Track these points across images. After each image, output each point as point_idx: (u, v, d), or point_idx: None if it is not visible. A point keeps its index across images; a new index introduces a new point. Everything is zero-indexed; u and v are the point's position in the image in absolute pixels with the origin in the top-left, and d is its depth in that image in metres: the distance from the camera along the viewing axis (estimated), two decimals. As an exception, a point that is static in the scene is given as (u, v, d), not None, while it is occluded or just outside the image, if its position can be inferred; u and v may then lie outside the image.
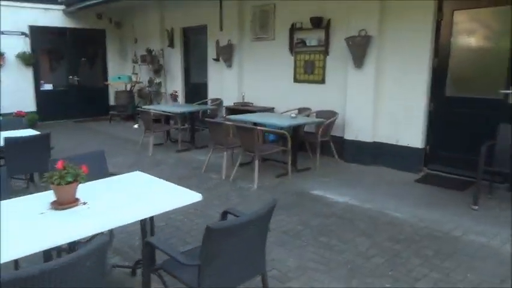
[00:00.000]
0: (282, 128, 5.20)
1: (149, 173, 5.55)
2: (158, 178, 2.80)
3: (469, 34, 5.12)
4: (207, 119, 5.64)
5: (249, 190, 4.87)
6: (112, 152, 7.00)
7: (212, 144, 5.65)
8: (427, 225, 3.75)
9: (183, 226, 3.86)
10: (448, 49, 5.20)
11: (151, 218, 2.64)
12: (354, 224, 3.78)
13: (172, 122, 7.94)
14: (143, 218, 2.46)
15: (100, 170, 3.13)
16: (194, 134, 7.21)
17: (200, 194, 2.41)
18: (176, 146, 7.19)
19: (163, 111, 7.06)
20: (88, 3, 9.21)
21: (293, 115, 5.61)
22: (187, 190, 2.49)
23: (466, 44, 5.15)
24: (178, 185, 4.99)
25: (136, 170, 5.85)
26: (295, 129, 5.49)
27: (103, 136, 8.73)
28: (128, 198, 2.42)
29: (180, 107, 7.34)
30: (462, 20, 5.12)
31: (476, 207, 4.09)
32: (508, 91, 4.75)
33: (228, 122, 5.21)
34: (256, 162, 4.96)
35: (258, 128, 4.87)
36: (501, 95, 4.81)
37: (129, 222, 2.14)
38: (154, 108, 7.33)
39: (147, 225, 2.79)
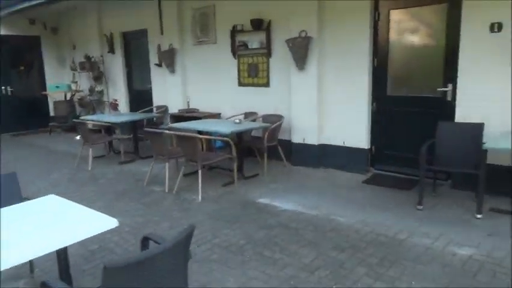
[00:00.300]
0: (224, 135, 4.98)
1: (86, 189, 5.25)
2: (73, 202, 2.48)
3: (407, 33, 5.15)
4: (145, 129, 5.32)
5: (192, 202, 4.61)
6: (47, 168, 6.51)
7: (154, 155, 5.33)
8: (372, 229, 3.66)
9: (117, 248, 3.54)
10: (387, 48, 5.21)
11: (64, 250, 2.32)
12: (299, 234, 3.62)
13: (117, 131, 7.53)
14: (48, 252, 2.14)
15: (10, 195, 2.76)
16: (137, 144, 6.83)
17: (115, 220, 2.13)
18: (120, 158, 6.79)
19: (101, 122, 6.63)
20: (16, 8, 8.55)
21: (237, 121, 5.41)
22: (103, 215, 2.21)
23: (404, 42, 5.17)
24: (116, 201, 4.72)
25: (71, 187, 5.42)
26: (240, 136, 5.30)
27: (39, 150, 8.13)
28: (33, 229, 2.10)
29: (121, 116, 6.94)
30: (399, 19, 5.14)
31: (421, 206, 4.07)
32: (446, 89, 4.80)
33: (167, 131, 4.92)
34: (200, 172, 4.71)
35: (199, 136, 4.62)
36: (440, 93, 4.86)
37: (25, 260, 1.85)
38: (91, 118, 6.89)
39: (64, 256, 2.46)
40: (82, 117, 7.09)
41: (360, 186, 4.95)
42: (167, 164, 5.04)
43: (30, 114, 10.45)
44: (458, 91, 4.62)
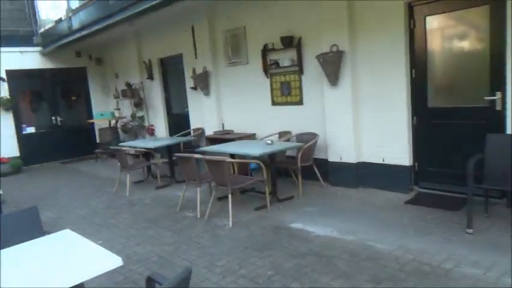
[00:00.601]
0: (254, 157, 4.83)
1: (121, 216, 5.29)
2: (84, 238, 2.40)
3: (446, 40, 4.80)
4: (176, 154, 5.29)
5: (223, 228, 4.46)
6: (88, 195, 6.68)
7: (186, 180, 5.27)
8: (415, 257, 3.31)
9: (141, 281, 3.43)
10: (425, 57, 4.86)
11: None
12: (332, 263, 3.34)
13: (158, 155, 7.65)
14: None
15: (30, 229, 2.77)
16: (173, 168, 6.84)
17: (120, 259, 2.02)
18: (157, 182, 6.83)
19: (136, 147, 6.73)
20: (61, 42, 9.05)
21: (269, 141, 5.24)
22: (109, 254, 2.11)
23: (443, 50, 4.82)
24: (148, 228, 4.70)
25: (107, 214, 5.45)
26: (272, 157, 5.11)
27: (84, 177, 8.39)
28: (36, 269, 2.07)
29: (156, 141, 7.01)
30: (437, 25, 4.79)
31: (471, 230, 3.65)
32: (494, 97, 4.36)
33: (196, 155, 4.84)
34: (230, 197, 4.57)
35: (227, 159, 4.50)
36: (487, 102, 4.43)
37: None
38: (127, 144, 7.02)
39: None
40: (120, 144, 7.25)
41: (402, 207, 4.57)
42: (198, 188, 4.96)
43: (78, 142, 10.91)
44: (508, 99, 4.19)
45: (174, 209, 5.32)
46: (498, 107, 4.35)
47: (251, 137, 6.84)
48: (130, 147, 6.85)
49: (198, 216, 4.88)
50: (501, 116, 4.28)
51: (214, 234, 4.31)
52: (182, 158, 5.06)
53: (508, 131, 4.19)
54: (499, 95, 4.33)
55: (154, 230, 4.62)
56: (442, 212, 4.25)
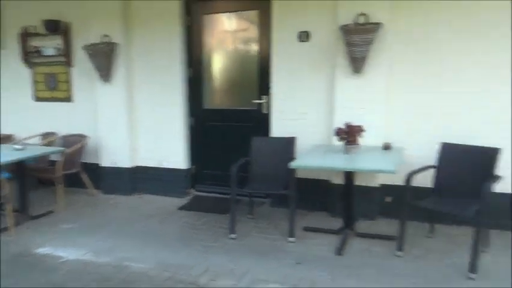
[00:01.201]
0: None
1: None
2: None
3: (224, 40, 4.73)
4: None
5: None
6: None
7: None
8: (172, 274, 2.99)
9: None
10: (202, 57, 4.72)
11: None
12: (72, 298, 2.74)
13: None
14: None
15: None
16: None
17: None
18: None
19: None
20: None
21: (17, 146, 4.23)
22: None
23: (221, 51, 4.75)
24: None
25: None
26: (21, 165, 4.13)
27: None
28: None
29: None
30: (214, 25, 4.68)
31: (234, 235, 3.59)
32: (261, 101, 4.50)
33: None
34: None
35: None
36: (255, 105, 4.54)
37: None
38: None
39: None
40: None
41: (174, 214, 4.29)
42: None
43: None
44: (272, 103, 4.36)
45: None
46: (265, 110, 4.50)
47: (8, 139, 5.55)
48: None
49: None
50: (267, 120, 4.43)
51: None
52: None
53: (272, 134, 4.36)
54: (265, 98, 4.48)
55: None
56: (213, 216, 4.14)
